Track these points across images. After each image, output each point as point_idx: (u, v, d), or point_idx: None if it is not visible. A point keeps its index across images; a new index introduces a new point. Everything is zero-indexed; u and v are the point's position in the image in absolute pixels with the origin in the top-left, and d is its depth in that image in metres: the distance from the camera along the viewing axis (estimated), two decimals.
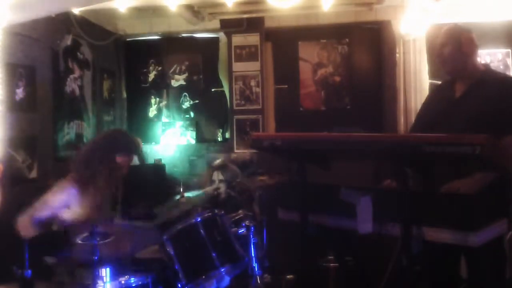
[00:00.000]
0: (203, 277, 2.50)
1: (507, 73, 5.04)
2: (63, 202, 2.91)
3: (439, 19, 4.72)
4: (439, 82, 3.25)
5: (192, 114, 5.76)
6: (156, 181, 5.12)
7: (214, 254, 2.54)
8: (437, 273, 2.55)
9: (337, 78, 5.52)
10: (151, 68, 5.82)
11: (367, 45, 5.53)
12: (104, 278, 2.31)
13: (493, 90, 2.60)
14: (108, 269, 2.33)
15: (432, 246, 2.13)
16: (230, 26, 5.28)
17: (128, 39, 5.74)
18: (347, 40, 5.50)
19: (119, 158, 3.05)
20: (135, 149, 3.21)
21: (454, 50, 2.71)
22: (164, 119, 5.81)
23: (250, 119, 5.32)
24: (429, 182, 2.46)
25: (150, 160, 5.45)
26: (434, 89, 3.08)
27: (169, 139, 5.73)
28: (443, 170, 2.40)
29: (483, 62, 4.71)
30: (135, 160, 5.24)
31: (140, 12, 4.93)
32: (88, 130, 4.81)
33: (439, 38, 2.80)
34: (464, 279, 2.66)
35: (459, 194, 2.28)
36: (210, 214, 2.69)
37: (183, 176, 5.38)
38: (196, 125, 5.73)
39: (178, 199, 3.16)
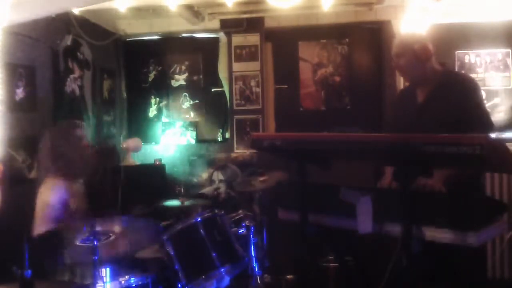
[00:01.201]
0: (203, 277, 2.51)
1: (507, 73, 5.05)
2: (57, 199, 2.91)
3: (439, 19, 4.72)
4: None
5: (192, 114, 5.76)
6: (156, 181, 5.12)
7: (214, 254, 2.55)
8: (437, 273, 2.55)
9: (337, 78, 5.51)
10: (151, 68, 5.81)
11: (367, 45, 5.53)
12: (104, 278, 2.32)
13: (454, 92, 2.62)
14: (108, 269, 2.33)
15: (432, 246, 2.13)
16: (230, 26, 5.28)
17: (128, 39, 5.73)
18: (347, 40, 5.50)
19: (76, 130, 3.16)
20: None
21: (409, 60, 2.73)
22: (164, 119, 5.81)
23: (250, 119, 5.32)
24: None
25: (150, 160, 5.44)
26: (397, 96, 3.09)
27: (169, 139, 5.73)
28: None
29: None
30: (138, 160, 5.25)
31: (140, 12, 4.92)
32: (88, 130, 4.80)
33: (394, 49, 2.82)
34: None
35: (459, 194, 2.27)
36: (210, 214, 2.70)
37: (183, 176, 5.39)
38: (196, 125, 5.72)
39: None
